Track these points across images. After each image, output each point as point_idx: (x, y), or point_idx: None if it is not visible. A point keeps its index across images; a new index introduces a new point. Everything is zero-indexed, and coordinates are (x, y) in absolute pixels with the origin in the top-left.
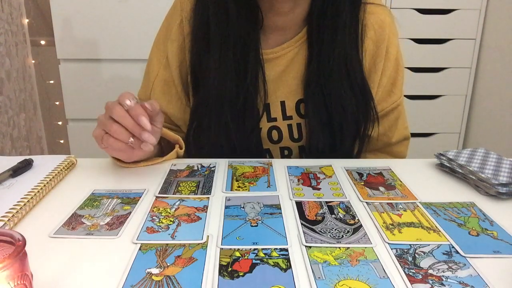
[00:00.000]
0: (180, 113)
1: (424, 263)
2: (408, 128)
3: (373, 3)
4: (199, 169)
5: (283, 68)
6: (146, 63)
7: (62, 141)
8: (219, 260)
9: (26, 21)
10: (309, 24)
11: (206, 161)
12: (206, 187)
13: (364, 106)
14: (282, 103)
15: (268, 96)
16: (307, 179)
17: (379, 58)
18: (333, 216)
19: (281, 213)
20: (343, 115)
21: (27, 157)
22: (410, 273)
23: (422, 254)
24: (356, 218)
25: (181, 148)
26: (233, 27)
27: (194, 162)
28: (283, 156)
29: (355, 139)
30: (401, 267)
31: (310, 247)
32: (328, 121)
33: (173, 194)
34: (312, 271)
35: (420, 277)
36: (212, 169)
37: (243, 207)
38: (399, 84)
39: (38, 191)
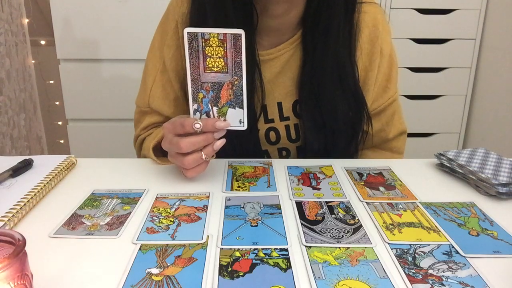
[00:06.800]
0: None
1: (424, 263)
2: (404, 123)
3: (365, 1)
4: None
5: (279, 69)
6: (143, 70)
7: (62, 141)
8: (219, 260)
9: (26, 21)
10: (304, 27)
11: None
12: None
13: (356, 110)
14: (279, 104)
15: (265, 98)
16: (307, 179)
17: (374, 56)
18: (333, 216)
19: (281, 213)
20: (334, 117)
21: (27, 157)
22: (410, 273)
23: (422, 254)
24: (356, 218)
25: None
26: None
27: None
28: (281, 157)
29: (349, 140)
30: (401, 267)
31: (310, 247)
32: (321, 123)
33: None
34: (312, 271)
35: (420, 277)
36: None
37: (243, 207)
38: (394, 79)
39: (38, 191)
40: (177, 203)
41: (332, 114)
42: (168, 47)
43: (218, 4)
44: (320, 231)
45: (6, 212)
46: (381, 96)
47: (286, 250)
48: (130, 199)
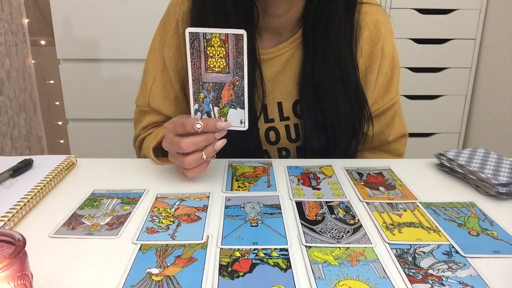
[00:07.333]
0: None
1: (424, 263)
2: (406, 126)
3: (367, 2)
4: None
5: (279, 69)
6: (143, 70)
7: (62, 141)
8: (219, 260)
9: (26, 21)
10: (304, 26)
11: None
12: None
13: (357, 108)
14: (279, 104)
15: (265, 97)
16: (307, 179)
17: (375, 57)
18: (333, 216)
19: (281, 213)
20: (336, 116)
21: (27, 157)
22: (410, 273)
23: (422, 254)
24: (356, 218)
25: None
26: (232, 28)
27: None
28: (281, 157)
29: (349, 140)
30: (401, 267)
31: (310, 247)
32: (322, 122)
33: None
34: (312, 271)
35: (420, 277)
36: None
37: (243, 207)
38: (395, 82)
39: (38, 191)
40: (177, 203)
41: (333, 112)
42: (168, 46)
43: (218, 3)
44: (320, 231)
45: (6, 212)
46: (381, 98)
47: (286, 250)
48: (130, 199)
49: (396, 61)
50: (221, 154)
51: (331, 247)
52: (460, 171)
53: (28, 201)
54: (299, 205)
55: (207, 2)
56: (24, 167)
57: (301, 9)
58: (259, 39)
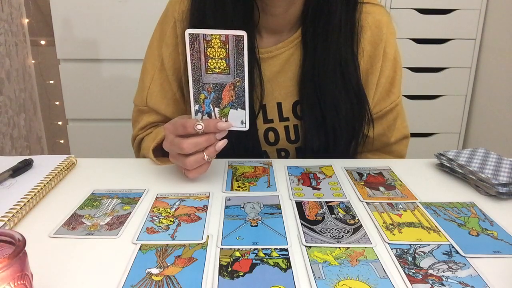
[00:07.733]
0: (178, 115)
1: (424, 263)
2: (408, 127)
3: (369, 2)
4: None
5: (279, 68)
6: (141, 69)
7: (62, 141)
8: (219, 260)
9: (26, 21)
10: (304, 25)
11: None
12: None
13: (358, 108)
14: (279, 105)
15: (264, 97)
16: (307, 179)
17: (376, 58)
18: (333, 216)
19: (281, 213)
20: (336, 116)
21: (27, 157)
22: (410, 273)
23: (422, 254)
24: (356, 218)
25: None
26: (231, 26)
27: None
28: (280, 158)
29: (349, 140)
30: (401, 267)
31: (310, 247)
32: (322, 122)
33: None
34: (312, 271)
35: (420, 277)
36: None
37: (243, 207)
38: (398, 84)
39: (38, 191)
40: (177, 203)
41: (334, 112)
42: (166, 45)
43: (218, 2)
44: (320, 231)
45: (6, 212)
46: (383, 99)
47: (286, 250)
48: (130, 199)
49: (398, 63)
50: (219, 155)
51: (331, 247)
52: (460, 171)
53: (28, 201)
54: (299, 205)
55: (207, 0)
56: (24, 167)
57: (301, 8)
58: (258, 38)
